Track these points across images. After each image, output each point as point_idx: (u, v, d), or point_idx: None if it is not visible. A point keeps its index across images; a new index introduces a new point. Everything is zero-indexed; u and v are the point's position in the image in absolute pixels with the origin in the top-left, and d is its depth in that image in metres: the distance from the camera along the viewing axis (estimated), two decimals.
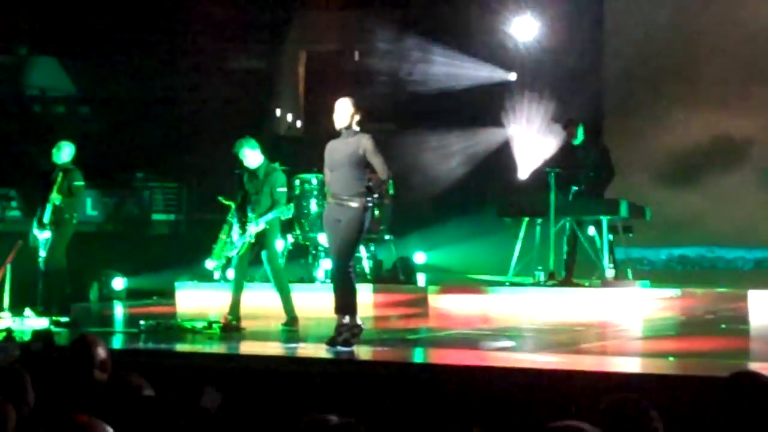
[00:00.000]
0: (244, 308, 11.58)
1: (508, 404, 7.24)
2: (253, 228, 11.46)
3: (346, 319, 9.57)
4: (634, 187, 15.73)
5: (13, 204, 19.30)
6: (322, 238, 14.10)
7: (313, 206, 15.15)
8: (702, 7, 17.65)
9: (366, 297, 13.15)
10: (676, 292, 13.95)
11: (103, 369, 5.67)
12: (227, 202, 12.03)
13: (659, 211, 15.01)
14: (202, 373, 8.30)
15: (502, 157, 17.58)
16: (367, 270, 15.36)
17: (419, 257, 17.43)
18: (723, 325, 11.66)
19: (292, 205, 11.96)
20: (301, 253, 15.71)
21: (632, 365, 9.15)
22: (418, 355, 9.98)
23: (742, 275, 16.65)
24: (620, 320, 12.31)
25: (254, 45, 23.02)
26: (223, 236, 11.95)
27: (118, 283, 16.72)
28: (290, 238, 15.17)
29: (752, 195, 17.05)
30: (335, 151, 9.70)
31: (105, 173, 19.50)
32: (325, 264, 14.57)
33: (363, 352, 9.41)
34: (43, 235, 12.49)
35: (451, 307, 13.66)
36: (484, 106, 18.52)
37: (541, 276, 13.81)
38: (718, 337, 10.70)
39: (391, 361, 9.13)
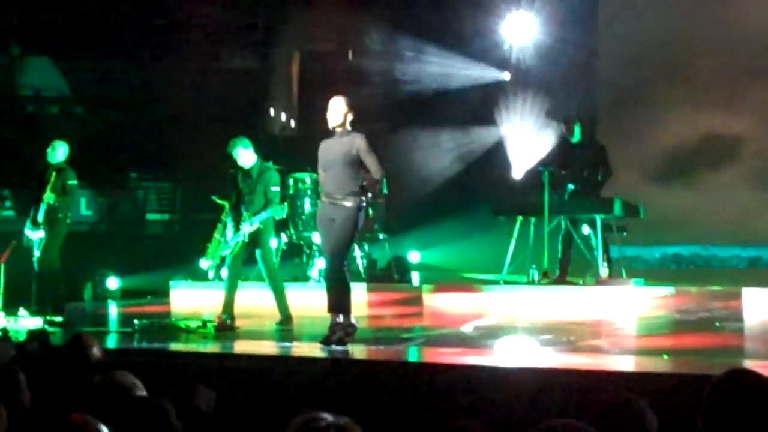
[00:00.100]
0: (238, 307, 11.58)
1: (502, 403, 7.24)
2: (247, 227, 11.46)
3: (340, 318, 9.58)
4: (628, 186, 15.74)
5: (7, 204, 19.30)
6: (316, 238, 14.11)
7: (307, 205, 15.17)
8: (694, 6, 17.66)
9: (360, 296, 13.16)
10: (670, 290, 13.97)
11: (99, 369, 5.67)
12: (221, 202, 12.03)
13: (653, 209, 15.02)
14: (196, 373, 8.29)
15: (495, 156, 17.57)
16: (361, 269, 15.37)
17: (413, 256, 17.44)
18: (717, 324, 11.66)
19: (285, 204, 11.97)
20: (295, 253, 15.72)
21: (626, 363, 9.17)
22: (413, 354, 9.98)
23: (736, 273, 16.66)
24: (614, 318, 12.31)
25: (248, 44, 23.01)
26: (217, 235, 11.95)
27: (112, 282, 16.71)
28: (284, 238, 15.18)
29: (746, 193, 17.07)
30: (329, 151, 9.71)
31: (99, 173, 19.49)
32: (319, 263, 14.58)
33: (357, 351, 9.42)
34: (36, 235, 12.48)
35: (445, 305, 13.66)
36: (478, 106, 18.52)
37: (536, 275, 13.82)
38: (713, 336, 10.71)
39: (386, 360, 9.14)
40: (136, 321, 11.48)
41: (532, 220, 14.19)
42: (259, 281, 12.37)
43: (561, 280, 13.86)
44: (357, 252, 15.18)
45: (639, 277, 14.04)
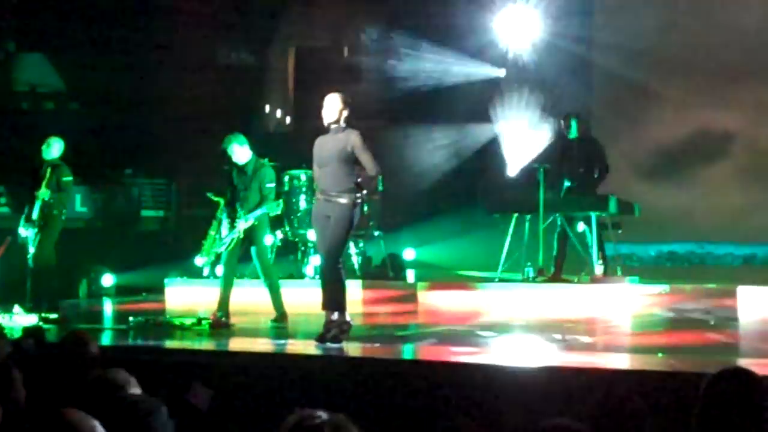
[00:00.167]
0: (233, 304, 11.58)
1: (497, 401, 7.25)
2: (242, 224, 11.46)
3: (335, 316, 9.58)
4: (623, 184, 15.74)
5: (2, 200, 19.27)
6: (311, 235, 14.10)
7: (302, 202, 15.17)
8: (689, 5, 17.66)
9: (355, 293, 13.16)
10: (665, 288, 13.96)
11: (94, 365, 5.67)
12: (216, 199, 12.03)
13: (648, 207, 15.02)
14: (191, 370, 8.29)
15: (491, 153, 17.57)
16: (356, 266, 15.37)
17: (409, 253, 17.45)
18: (712, 321, 11.68)
19: (280, 201, 11.97)
20: (290, 250, 15.71)
21: (621, 361, 9.17)
22: (408, 352, 9.98)
23: (731, 271, 16.66)
24: (609, 316, 12.32)
25: (243, 41, 22.99)
26: (212, 232, 11.95)
27: (107, 279, 16.70)
28: (279, 235, 15.17)
29: (742, 191, 17.07)
30: (323, 147, 9.70)
31: (94, 169, 19.46)
32: (315, 260, 14.57)
33: (352, 349, 9.42)
34: (30, 232, 12.47)
35: (440, 303, 13.66)
36: (473, 103, 18.49)
37: (531, 272, 13.83)
38: (707, 333, 10.71)
39: (380, 358, 9.13)
40: (131, 318, 11.48)
41: (527, 217, 14.20)
42: (254, 278, 12.37)
43: (556, 278, 13.88)
44: (352, 249, 15.18)
45: (634, 274, 14.06)
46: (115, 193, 21.27)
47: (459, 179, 19.01)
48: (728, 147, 17.50)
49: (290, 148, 17.45)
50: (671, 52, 17.51)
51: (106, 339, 10.86)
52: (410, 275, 16.41)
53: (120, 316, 13.15)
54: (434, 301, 13.81)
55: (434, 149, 19.32)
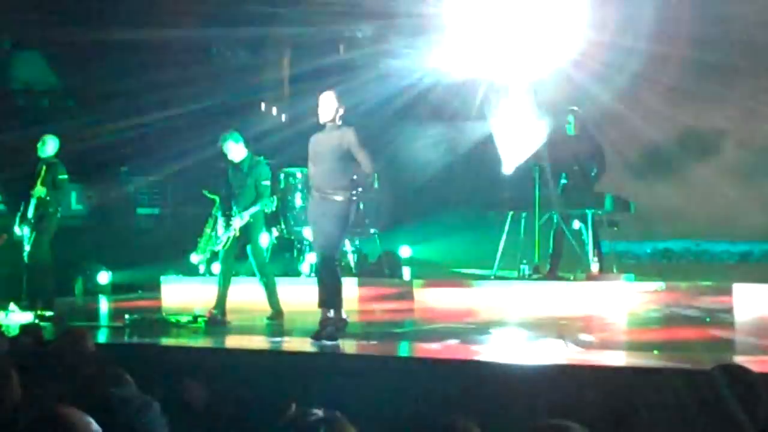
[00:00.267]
0: (229, 302, 11.58)
1: (493, 399, 7.25)
2: (238, 221, 11.46)
3: (331, 313, 9.59)
4: (618, 181, 15.73)
5: None
6: (307, 232, 14.10)
7: (298, 200, 15.16)
8: (681, 1, 17.67)
9: (351, 291, 13.17)
10: (660, 285, 13.96)
11: (90, 362, 5.67)
12: (212, 196, 12.03)
13: (644, 204, 15.03)
14: (186, 367, 8.28)
15: (486, 151, 17.56)
16: (352, 264, 15.36)
17: (404, 251, 17.43)
18: (707, 318, 11.68)
19: (275, 197, 11.97)
20: (286, 247, 15.70)
21: (617, 359, 9.17)
22: (403, 349, 9.98)
23: (726, 268, 16.66)
24: (605, 314, 12.33)
25: (239, 38, 22.97)
26: (208, 230, 11.96)
27: (103, 277, 16.69)
28: (275, 232, 15.17)
29: (738, 188, 17.07)
30: (319, 145, 9.70)
31: (89, 167, 19.44)
32: (310, 258, 14.57)
33: (348, 346, 9.43)
34: (26, 230, 12.46)
35: (436, 301, 13.67)
36: (468, 100, 18.48)
37: (526, 270, 13.83)
38: (703, 331, 10.72)
39: (376, 355, 9.14)
40: (126, 316, 11.47)
41: (523, 215, 14.20)
42: (250, 276, 12.37)
43: (552, 276, 13.88)
44: (348, 247, 15.18)
45: (630, 272, 14.05)
46: (110, 190, 21.25)
47: (455, 177, 19.00)
48: (723, 144, 17.52)
49: (286, 146, 17.45)
50: (665, 49, 17.50)
51: (102, 336, 10.86)
52: (406, 273, 16.40)
53: (116, 314, 13.14)
54: (430, 298, 13.82)
55: (430, 146, 19.31)
